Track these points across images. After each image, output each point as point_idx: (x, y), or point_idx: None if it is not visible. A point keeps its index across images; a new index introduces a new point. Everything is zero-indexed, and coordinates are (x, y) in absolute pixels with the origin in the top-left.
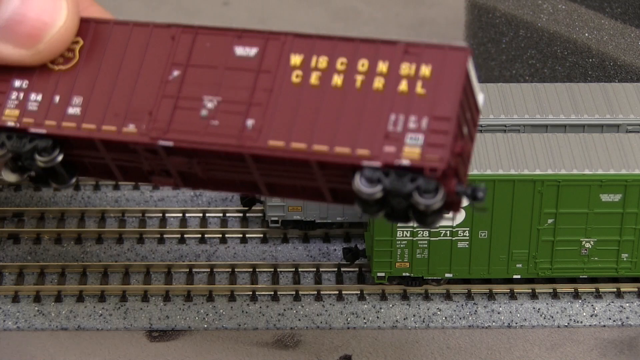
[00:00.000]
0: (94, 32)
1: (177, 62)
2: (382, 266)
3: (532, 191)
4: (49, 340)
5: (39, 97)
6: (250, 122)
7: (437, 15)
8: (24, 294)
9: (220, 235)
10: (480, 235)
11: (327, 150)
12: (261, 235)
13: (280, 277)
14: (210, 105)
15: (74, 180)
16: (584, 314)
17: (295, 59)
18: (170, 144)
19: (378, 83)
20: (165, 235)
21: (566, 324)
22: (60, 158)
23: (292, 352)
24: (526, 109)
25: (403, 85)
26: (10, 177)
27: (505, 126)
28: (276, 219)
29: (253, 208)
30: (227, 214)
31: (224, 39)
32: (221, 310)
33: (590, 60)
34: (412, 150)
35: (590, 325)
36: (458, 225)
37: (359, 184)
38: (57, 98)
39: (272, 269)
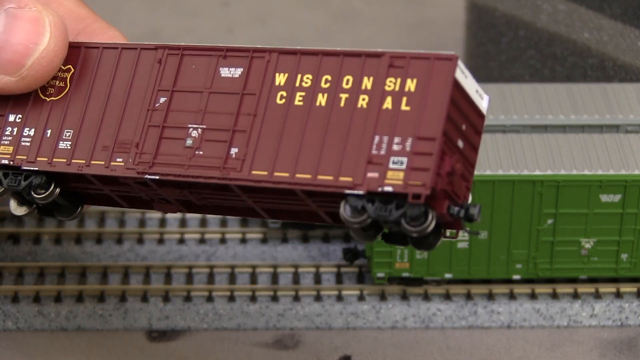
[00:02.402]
0: (83, 59)
1: (163, 88)
2: (382, 266)
3: (532, 192)
4: (49, 340)
5: (32, 132)
6: (234, 151)
7: (437, 16)
8: (24, 294)
9: (220, 236)
10: (480, 236)
11: (310, 179)
12: (261, 236)
13: (280, 277)
14: (194, 133)
15: (79, 211)
16: (584, 314)
17: (280, 78)
18: (156, 177)
19: (362, 101)
20: (165, 236)
21: (566, 325)
22: (57, 192)
23: (292, 353)
24: (526, 109)
25: (387, 103)
26: (18, 210)
27: (505, 127)
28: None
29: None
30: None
31: (209, 59)
32: (221, 311)
33: (590, 60)
34: (395, 175)
35: (589, 325)
36: None
37: (345, 213)
38: (48, 132)
39: (272, 270)
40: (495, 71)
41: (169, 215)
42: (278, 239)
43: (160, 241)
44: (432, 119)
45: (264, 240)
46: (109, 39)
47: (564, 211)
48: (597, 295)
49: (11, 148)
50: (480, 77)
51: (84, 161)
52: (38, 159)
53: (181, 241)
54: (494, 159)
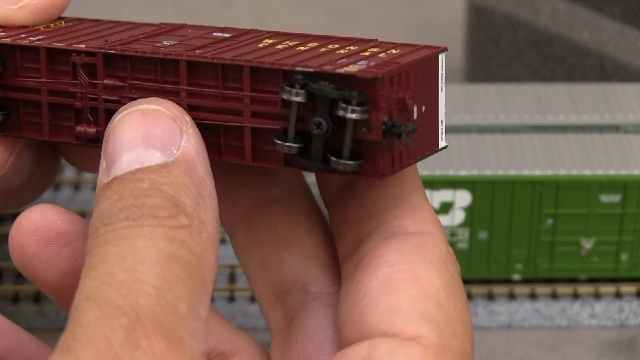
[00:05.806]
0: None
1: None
2: None
3: (532, 192)
4: (49, 340)
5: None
6: (198, 51)
7: (437, 16)
8: (24, 294)
9: (220, 236)
10: (480, 236)
11: (264, 60)
12: None
13: None
14: (166, 43)
15: None
16: (584, 314)
17: (268, 41)
18: (111, 51)
19: (342, 50)
20: None
21: (566, 325)
22: None
23: None
24: (526, 109)
25: (366, 53)
26: None
27: (505, 127)
28: None
29: None
30: None
31: (206, 29)
32: (221, 311)
33: (590, 60)
34: (351, 68)
35: (589, 325)
36: (458, 226)
37: (284, 87)
38: (23, 35)
39: None
40: (495, 71)
41: None
42: None
43: None
44: (403, 58)
45: None
46: None
47: (564, 211)
48: (597, 296)
49: None
50: (480, 77)
51: (45, 42)
52: None
53: None
54: (494, 159)
